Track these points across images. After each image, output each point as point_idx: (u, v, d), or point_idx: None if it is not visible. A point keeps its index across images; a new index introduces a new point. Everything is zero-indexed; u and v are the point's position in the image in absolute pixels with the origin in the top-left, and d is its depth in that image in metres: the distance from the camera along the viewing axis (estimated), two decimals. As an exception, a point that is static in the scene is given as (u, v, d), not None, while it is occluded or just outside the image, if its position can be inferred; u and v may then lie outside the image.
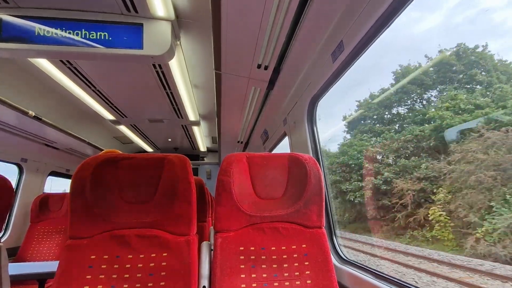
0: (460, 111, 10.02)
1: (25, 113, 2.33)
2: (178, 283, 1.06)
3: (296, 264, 1.17)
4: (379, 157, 12.47)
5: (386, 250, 8.24)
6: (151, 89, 2.72)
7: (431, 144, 10.34)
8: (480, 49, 11.89)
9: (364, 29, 1.22)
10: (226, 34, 1.64)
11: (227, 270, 1.12)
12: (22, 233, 2.93)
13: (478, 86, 11.25)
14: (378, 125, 14.14)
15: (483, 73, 11.50)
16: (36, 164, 3.32)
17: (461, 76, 11.87)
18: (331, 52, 1.53)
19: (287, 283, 1.13)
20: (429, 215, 8.83)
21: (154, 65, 2.24)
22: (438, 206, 8.63)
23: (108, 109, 3.16)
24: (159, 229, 1.14)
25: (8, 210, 1.41)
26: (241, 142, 4.49)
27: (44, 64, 2.13)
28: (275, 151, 3.58)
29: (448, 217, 8.17)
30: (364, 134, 14.18)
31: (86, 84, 2.49)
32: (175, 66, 2.26)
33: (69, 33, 1.69)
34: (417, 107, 13.33)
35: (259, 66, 1.99)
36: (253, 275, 1.13)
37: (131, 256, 1.09)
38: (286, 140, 2.79)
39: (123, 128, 3.96)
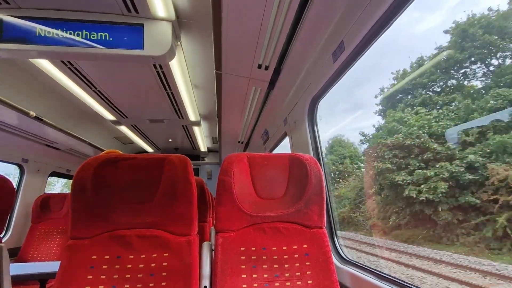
0: None
1: (26, 114, 2.33)
2: (179, 283, 1.06)
3: (297, 264, 1.17)
4: (454, 135, 8.44)
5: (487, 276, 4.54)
6: (151, 90, 2.72)
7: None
8: None
9: (365, 29, 1.22)
10: (226, 34, 1.64)
11: (228, 270, 1.12)
12: (23, 234, 2.93)
13: None
14: (438, 94, 10.45)
15: None
16: (37, 164, 3.33)
17: None
18: (331, 52, 1.52)
19: (288, 283, 1.13)
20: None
21: (154, 66, 2.24)
22: None
23: (108, 110, 3.17)
24: (160, 229, 1.14)
25: (10, 210, 1.42)
26: (242, 142, 4.49)
27: (45, 64, 2.13)
28: (275, 151, 3.58)
29: None
30: (417, 108, 10.47)
31: (86, 84, 2.49)
32: (176, 66, 2.27)
33: (70, 33, 1.69)
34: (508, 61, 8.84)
35: (259, 66, 1.99)
36: (254, 275, 1.13)
37: (132, 257, 1.09)
38: (286, 140, 2.79)
39: (123, 129, 3.97)
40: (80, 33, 1.70)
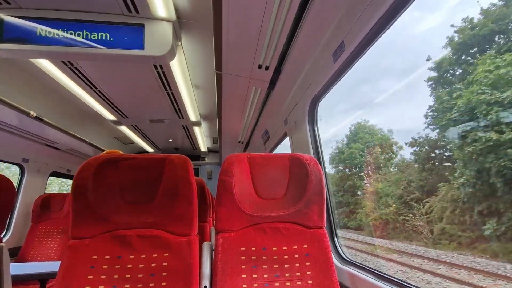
0: None
1: (27, 114, 2.33)
2: (179, 283, 1.06)
3: (297, 265, 1.17)
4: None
5: None
6: (152, 90, 2.72)
7: None
8: None
9: (365, 29, 1.22)
10: (227, 34, 1.64)
11: (228, 270, 1.12)
12: (23, 234, 2.93)
13: None
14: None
15: None
16: (37, 164, 3.33)
17: None
18: (332, 52, 1.53)
19: (288, 283, 1.13)
20: None
21: (155, 66, 2.24)
22: None
23: (109, 110, 3.17)
24: (160, 229, 1.14)
25: (10, 210, 1.42)
26: (242, 143, 4.49)
27: (45, 64, 2.13)
28: (276, 151, 3.58)
29: None
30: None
31: (87, 84, 2.50)
32: (176, 67, 2.27)
33: (71, 33, 1.69)
34: None
35: (260, 67, 1.99)
36: (254, 275, 1.13)
37: (132, 257, 1.09)
38: (287, 140, 2.79)
39: (124, 129, 3.97)
40: (81, 33, 1.70)
